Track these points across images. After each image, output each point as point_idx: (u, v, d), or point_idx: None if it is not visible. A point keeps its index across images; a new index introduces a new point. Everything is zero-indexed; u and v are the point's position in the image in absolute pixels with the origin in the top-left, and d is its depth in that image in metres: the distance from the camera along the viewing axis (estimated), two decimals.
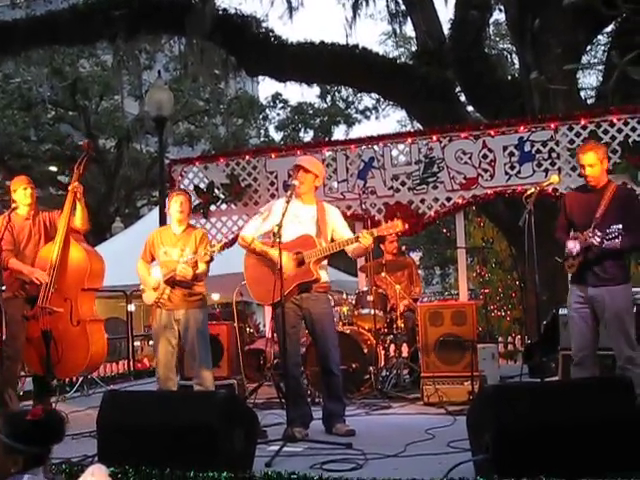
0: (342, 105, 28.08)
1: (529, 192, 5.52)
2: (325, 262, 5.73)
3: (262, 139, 27.99)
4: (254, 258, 5.72)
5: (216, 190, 9.21)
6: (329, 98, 27.86)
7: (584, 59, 13.34)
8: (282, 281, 5.21)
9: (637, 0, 4.90)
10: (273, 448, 4.83)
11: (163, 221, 9.17)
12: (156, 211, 12.78)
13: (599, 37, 14.84)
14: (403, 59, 20.48)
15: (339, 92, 27.33)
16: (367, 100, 27.46)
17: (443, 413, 6.23)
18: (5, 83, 22.61)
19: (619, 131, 7.75)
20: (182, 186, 9.22)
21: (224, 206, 9.27)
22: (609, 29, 12.37)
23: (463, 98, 12.83)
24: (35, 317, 6.06)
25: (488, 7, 11.69)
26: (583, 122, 7.91)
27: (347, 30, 12.73)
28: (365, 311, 7.83)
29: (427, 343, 6.86)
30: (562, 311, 6.64)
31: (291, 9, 12.49)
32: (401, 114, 28.10)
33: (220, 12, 11.30)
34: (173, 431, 4.05)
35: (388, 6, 13.29)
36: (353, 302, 8.09)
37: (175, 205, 6.21)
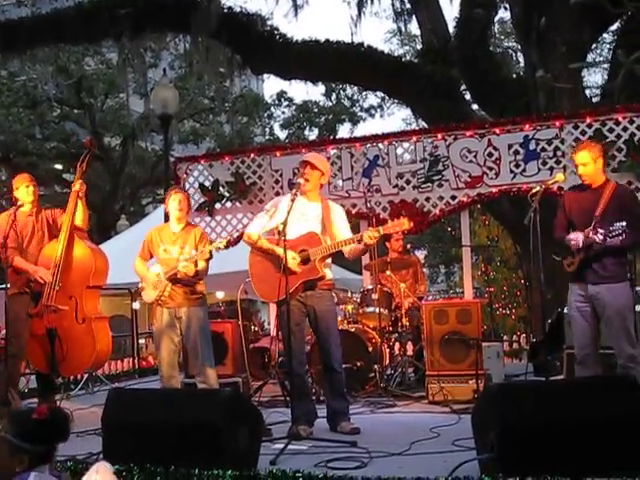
0: (347, 103, 28.04)
1: (534, 190, 5.54)
2: (329, 260, 5.73)
3: (267, 137, 27.99)
4: (259, 255, 5.72)
5: (221, 188, 9.21)
6: (334, 96, 27.81)
7: (589, 57, 13.30)
8: (287, 278, 5.22)
9: None
10: (278, 446, 4.83)
11: (168, 219, 9.17)
12: (161, 209, 12.76)
13: (604, 35, 14.83)
14: (408, 57, 20.46)
15: (344, 90, 27.29)
16: (372, 98, 27.50)
17: (448, 411, 6.23)
18: (10, 81, 22.61)
19: (624, 129, 7.72)
20: (187, 184, 9.26)
21: (229, 204, 9.27)
22: (614, 27, 12.37)
23: (468, 96, 12.82)
24: (39, 315, 6.07)
25: (493, 5, 11.66)
26: (588, 120, 7.89)
27: (352, 28, 12.70)
28: (370, 309, 7.83)
29: (432, 341, 6.86)
30: (567, 309, 6.63)
31: (296, 7, 12.47)
32: (406, 112, 28.08)
33: (225, 10, 11.29)
34: (178, 429, 4.06)
35: (393, 4, 13.26)
36: (358, 300, 8.10)
37: (174, 203, 6.22)
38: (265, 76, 14.72)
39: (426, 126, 11.76)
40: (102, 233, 21.88)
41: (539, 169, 8.00)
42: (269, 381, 7.64)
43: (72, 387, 8.56)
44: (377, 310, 7.65)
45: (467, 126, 8.52)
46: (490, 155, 8.20)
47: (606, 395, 3.83)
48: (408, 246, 9.54)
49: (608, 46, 17.07)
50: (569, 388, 4.29)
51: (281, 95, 27.98)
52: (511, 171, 8.12)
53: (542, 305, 6.03)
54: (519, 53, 15.71)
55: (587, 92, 12.17)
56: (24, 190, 6.41)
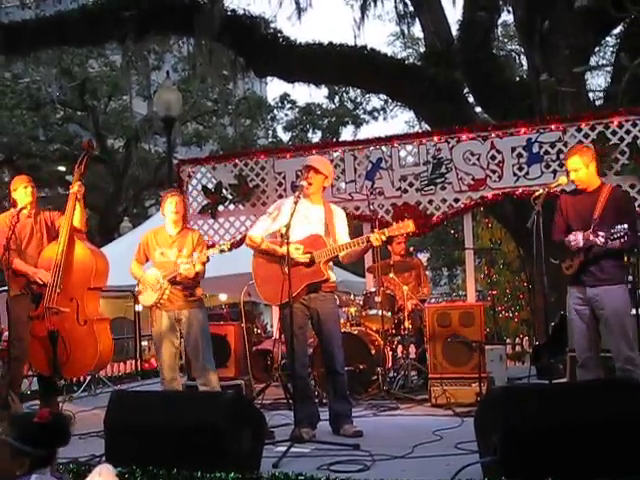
0: (350, 106, 28.06)
1: (537, 193, 5.52)
2: (331, 262, 5.73)
3: (270, 140, 28.02)
4: (262, 258, 5.72)
5: (224, 190, 9.21)
6: (337, 99, 27.85)
7: (592, 61, 13.31)
8: (290, 281, 5.22)
9: None
10: (280, 449, 4.83)
11: None
12: None
13: (607, 38, 14.82)
14: (411, 60, 20.46)
15: (347, 93, 27.31)
16: (375, 101, 27.48)
17: (451, 414, 6.21)
18: (14, 83, 22.68)
19: (627, 132, 7.71)
20: (190, 186, 9.26)
21: (232, 206, 9.26)
22: (617, 31, 12.36)
23: (471, 99, 12.80)
24: (41, 317, 6.05)
25: (496, 8, 11.65)
26: (591, 123, 7.89)
27: (355, 31, 12.76)
28: (373, 312, 7.83)
29: (435, 344, 6.85)
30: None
31: (299, 10, 12.50)
32: (409, 115, 28.16)
33: (229, 13, 11.33)
34: (180, 431, 4.06)
35: (396, 7, 13.31)
36: (361, 303, 8.09)
37: (170, 206, 6.23)
38: (268, 79, 14.80)
39: (429, 129, 11.76)
40: (105, 235, 21.92)
41: (542, 172, 7.98)
42: (272, 384, 7.62)
43: (75, 389, 8.56)
44: (380, 313, 7.65)
45: (470, 129, 8.50)
46: (493, 158, 8.19)
47: (609, 398, 3.83)
48: (411, 249, 9.54)
49: (611, 49, 17.07)
50: (572, 391, 4.28)
51: (284, 98, 28.00)
52: (514, 174, 8.11)
53: (545, 308, 6.02)
54: (522, 56, 15.77)
55: (590, 95, 12.14)
56: (22, 191, 6.38)
